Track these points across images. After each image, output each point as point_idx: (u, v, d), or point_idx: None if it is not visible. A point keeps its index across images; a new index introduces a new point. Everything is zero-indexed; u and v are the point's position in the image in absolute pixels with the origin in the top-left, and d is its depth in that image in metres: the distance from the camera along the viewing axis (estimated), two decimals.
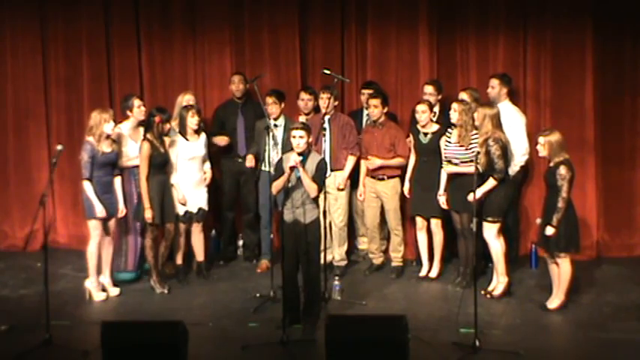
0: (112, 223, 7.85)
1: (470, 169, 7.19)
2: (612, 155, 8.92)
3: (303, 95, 8.49)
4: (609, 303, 7.60)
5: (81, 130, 8.03)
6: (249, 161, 8.50)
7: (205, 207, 8.21)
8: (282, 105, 8.44)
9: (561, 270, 7.28)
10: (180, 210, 8.07)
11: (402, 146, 8.24)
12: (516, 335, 6.88)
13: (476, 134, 7.67)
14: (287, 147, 7.54)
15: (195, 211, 8.14)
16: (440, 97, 8.38)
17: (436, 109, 8.29)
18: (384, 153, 8.24)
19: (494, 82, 8.31)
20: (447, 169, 7.82)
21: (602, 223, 8.99)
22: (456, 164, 7.76)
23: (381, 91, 8.43)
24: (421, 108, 8.06)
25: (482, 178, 7.46)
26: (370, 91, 8.45)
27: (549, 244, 7.22)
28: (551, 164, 7.20)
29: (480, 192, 7.37)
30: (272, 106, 8.36)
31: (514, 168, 8.13)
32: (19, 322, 7.15)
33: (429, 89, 8.38)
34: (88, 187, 7.62)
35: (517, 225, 8.62)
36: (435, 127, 8.08)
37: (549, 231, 7.13)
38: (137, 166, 7.86)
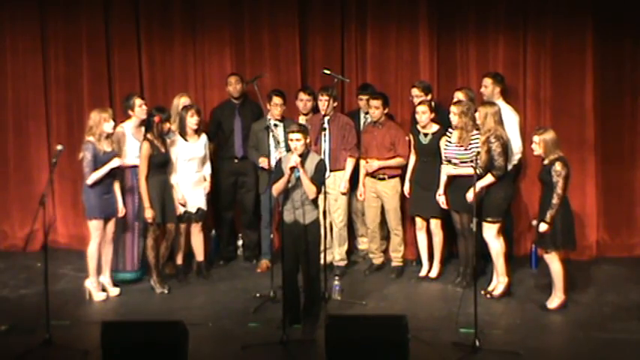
0: (111, 223, 7.85)
1: (469, 170, 7.17)
2: (612, 155, 8.92)
3: (302, 96, 8.47)
4: (609, 303, 7.60)
5: (81, 130, 8.02)
6: (263, 162, 8.19)
7: (204, 207, 8.22)
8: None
9: (552, 269, 7.29)
10: (180, 210, 8.07)
11: (403, 145, 8.24)
12: (516, 335, 6.88)
13: (476, 134, 7.67)
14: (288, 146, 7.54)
15: (194, 211, 8.15)
16: (429, 97, 8.32)
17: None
18: (384, 152, 8.24)
19: (487, 82, 8.30)
20: (445, 171, 7.81)
21: (602, 223, 8.99)
22: (455, 164, 7.75)
23: (381, 92, 8.43)
24: (421, 109, 8.05)
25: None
26: (367, 96, 8.41)
27: (546, 241, 7.22)
28: (546, 162, 7.21)
29: (477, 186, 7.28)
30: (280, 107, 8.34)
31: (508, 166, 8.13)
32: (19, 322, 7.15)
33: (415, 92, 8.33)
34: (93, 176, 7.56)
35: (512, 225, 8.59)
36: (435, 127, 8.07)
37: (542, 227, 7.13)
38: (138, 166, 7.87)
